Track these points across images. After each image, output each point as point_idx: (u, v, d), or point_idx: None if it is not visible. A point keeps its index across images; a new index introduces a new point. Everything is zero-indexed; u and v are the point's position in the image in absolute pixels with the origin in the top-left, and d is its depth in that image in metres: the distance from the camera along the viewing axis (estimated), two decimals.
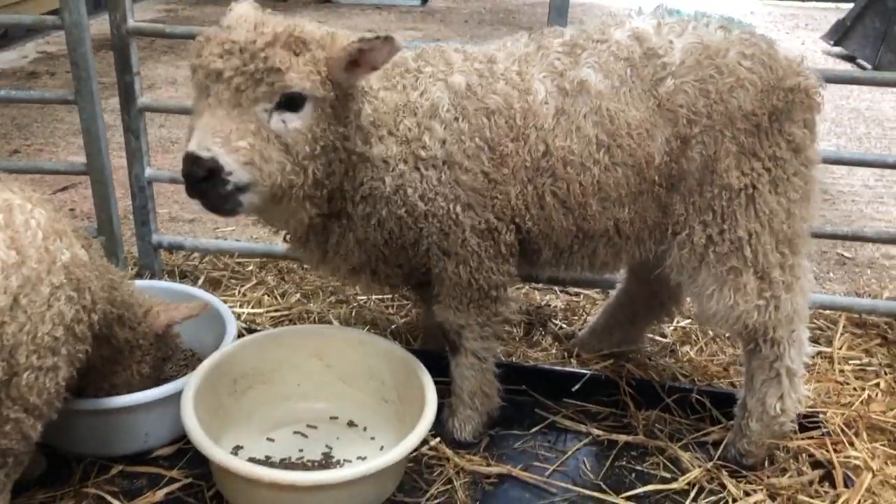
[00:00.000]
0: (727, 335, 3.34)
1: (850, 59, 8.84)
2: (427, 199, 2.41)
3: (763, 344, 2.57)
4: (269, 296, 3.63)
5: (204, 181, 2.05)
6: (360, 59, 2.18)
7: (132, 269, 3.73)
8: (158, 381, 2.73)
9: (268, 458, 2.70)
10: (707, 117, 2.37)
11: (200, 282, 3.69)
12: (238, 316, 3.35)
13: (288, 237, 2.60)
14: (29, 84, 7.16)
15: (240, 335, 3.01)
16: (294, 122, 2.14)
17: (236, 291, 3.65)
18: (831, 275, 4.32)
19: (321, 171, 2.26)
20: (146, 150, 3.49)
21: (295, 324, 3.44)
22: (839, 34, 9.04)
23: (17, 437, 2.07)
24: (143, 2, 10.56)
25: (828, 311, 3.56)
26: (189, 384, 2.60)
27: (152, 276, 3.68)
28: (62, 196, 4.95)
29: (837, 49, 9.10)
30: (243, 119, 2.08)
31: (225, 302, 3.30)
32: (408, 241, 2.51)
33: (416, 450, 2.57)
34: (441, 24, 10.18)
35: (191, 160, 2.04)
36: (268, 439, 2.79)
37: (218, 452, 2.36)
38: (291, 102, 2.13)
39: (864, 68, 8.48)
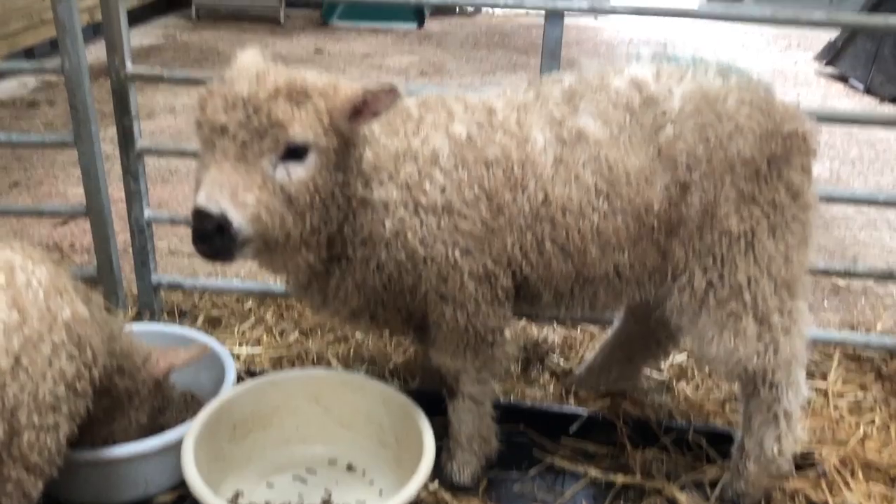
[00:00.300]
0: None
1: (843, 79, 8.92)
2: (426, 244, 2.44)
3: (762, 387, 2.59)
4: (267, 334, 3.65)
5: (212, 235, 2.09)
6: (362, 108, 2.22)
7: (132, 308, 3.75)
8: (153, 429, 2.74)
9: (267, 503, 2.72)
10: (707, 163, 2.39)
11: (200, 321, 3.72)
12: (237, 357, 3.38)
13: (289, 281, 2.62)
14: (29, 114, 7.20)
15: (239, 377, 3.04)
16: (298, 173, 2.17)
17: (235, 330, 3.67)
18: (826, 303, 4.35)
19: (318, 219, 2.29)
20: (145, 192, 3.52)
21: (294, 363, 3.46)
22: (831, 55, 9.11)
23: (19, 496, 2.09)
24: (141, 27, 10.62)
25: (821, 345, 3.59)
26: (189, 432, 2.61)
27: (152, 315, 3.70)
28: (62, 230, 4.98)
29: (830, 69, 9.18)
30: (249, 173, 2.11)
31: (224, 342, 3.34)
32: (406, 285, 2.54)
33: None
34: (437, 48, 10.24)
35: (201, 216, 2.07)
36: (267, 484, 2.81)
37: None
38: (295, 153, 2.16)
39: (856, 88, 8.57)
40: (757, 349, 2.52)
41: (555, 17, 3.10)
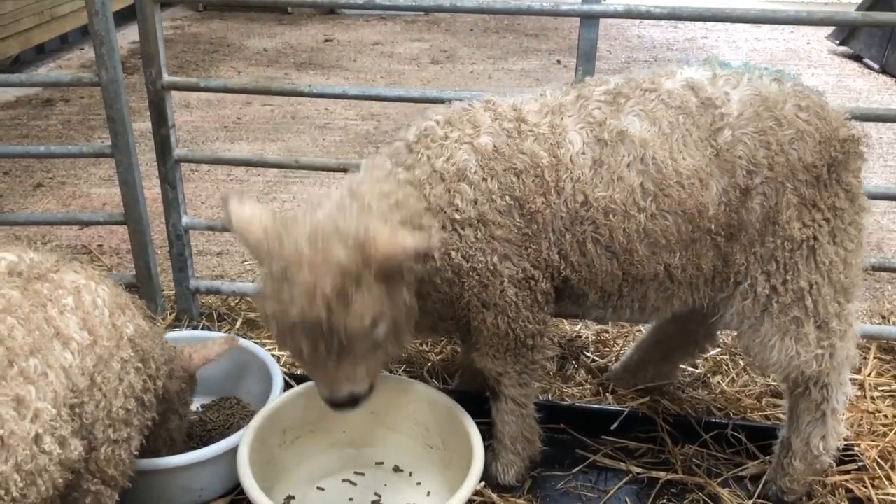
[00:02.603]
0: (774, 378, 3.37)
1: (857, 58, 8.89)
2: (468, 256, 2.48)
3: (813, 388, 2.63)
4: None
5: (348, 405, 2.36)
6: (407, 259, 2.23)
7: (170, 313, 3.80)
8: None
9: None
10: (769, 169, 2.39)
11: (238, 324, 3.77)
12: (277, 359, 3.42)
13: None
14: (45, 112, 7.22)
15: (284, 382, 3.09)
16: (381, 330, 2.25)
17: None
18: None
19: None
20: (182, 200, 3.56)
21: None
22: (845, 33, 9.07)
23: None
24: None
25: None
26: (244, 440, 2.67)
27: (190, 321, 3.75)
28: (89, 232, 5.02)
29: (843, 48, 9.15)
30: (350, 361, 2.24)
31: (263, 345, 3.39)
32: (454, 295, 2.58)
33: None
34: (447, 34, 10.22)
35: (335, 403, 2.35)
36: (318, 488, 2.87)
37: None
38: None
39: (870, 68, 8.54)
40: (816, 354, 2.55)
41: (590, 20, 3.11)
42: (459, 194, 2.43)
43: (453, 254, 2.47)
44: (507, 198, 2.43)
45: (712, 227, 2.43)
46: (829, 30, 9.49)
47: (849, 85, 8.11)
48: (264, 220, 2.20)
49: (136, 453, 2.27)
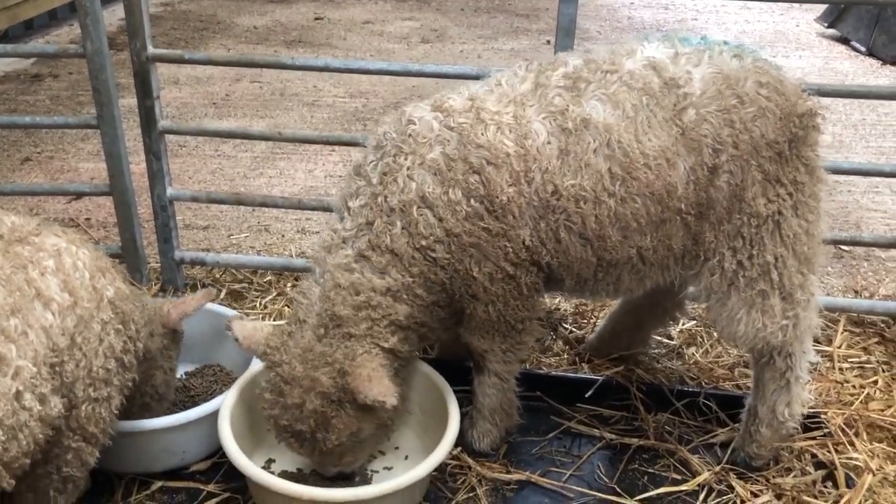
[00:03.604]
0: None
1: (844, 41, 8.92)
2: (448, 269, 2.52)
3: (777, 357, 2.70)
4: (289, 307, 3.75)
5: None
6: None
7: (155, 284, 3.85)
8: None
9: (299, 469, 2.85)
10: (734, 147, 2.43)
11: (223, 294, 3.82)
12: None
13: None
14: (33, 88, 7.21)
15: None
16: (362, 435, 2.59)
17: (257, 303, 3.78)
18: (829, 269, 4.45)
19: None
20: (167, 171, 3.60)
21: None
22: (833, 16, 9.10)
23: (77, 464, 2.24)
24: None
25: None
26: (224, 403, 2.74)
27: (175, 291, 3.81)
28: (77, 205, 5.05)
29: (831, 31, 9.17)
30: (335, 457, 2.61)
31: (247, 315, 3.45)
32: (447, 292, 2.62)
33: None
34: (438, 13, 10.20)
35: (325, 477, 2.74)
36: None
37: (268, 477, 2.52)
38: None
39: (858, 51, 8.57)
40: (781, 325, 2.61)
41: None
42: (423, 218, 2.44)
43: (433, 277, 2.52)
44: (472, 201, 2.43)
45: (682, 206, 2.47)
46: (818, 12, 9.51)
47: (836, 67, 8.15)
48: (265, 332, 2.59)
49: (117, 412, 2.34)
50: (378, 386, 2.37)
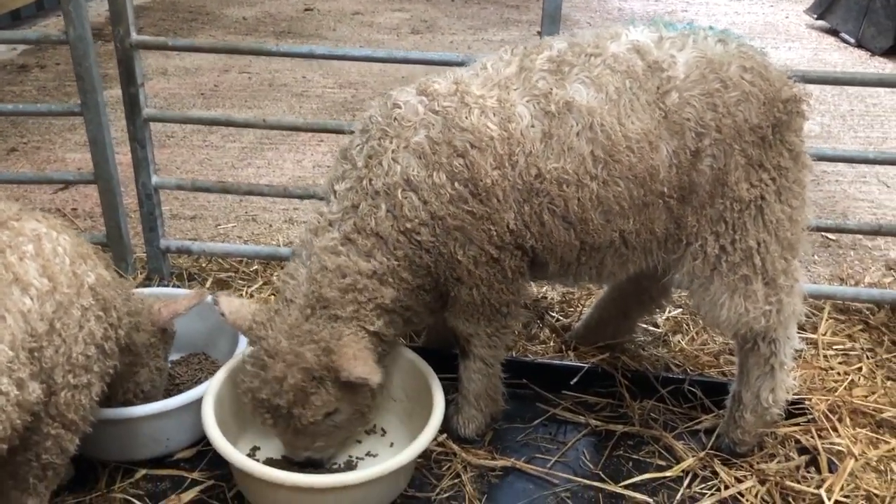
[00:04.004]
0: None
1: (834, 32, 8.95)
2: (432, 252, 2.52)
3: (761, 343, 2.70)
4: (275, 295, 3.74)
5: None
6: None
7: (141, 273, 3.84)
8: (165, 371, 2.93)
9: (284, 456, 2.84)
10: (716, 131, 2.42)
11: (208, 283, 3.81)
12: None
13: None
14: (20, 78, 7.17)
15: None
16: (339, 417, 2.59)
17: (244, 292, 3.77)
18: (816, 258, 4.47)
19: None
20: (152, 159, 3.58)
21: None
22: (823, 7, 9.13)
23: (57, 451, 2.23)
24: None
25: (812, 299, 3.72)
26: (208, 391, 2.72)
27: (161, 280, 3.79)
28: (63, 195, 5.03)
29: (821, 23, 9.20)
30: (308, 438, 2.62)
31: None
32: (432, 275, 2.62)
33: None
34: (427, 4, 10.19)
35: (293, 462, 2.72)
36: None
37: (252, 464, 2.50)
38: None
39: (847, 42, 8.60)
40: (764, 310, 2.62)
41: None
42: (407, 201, 2.44)
43: (417, 259, 2.52)
44: (457, 184, 2.43)
45: (665, 189, 2.46)
46: (808, 4, 9.54)
47: (825, 58, 8.18)
48: (252, 308, 2.61)
49: (97, 399, 2.32)
50: (363, 365, 2.38)
